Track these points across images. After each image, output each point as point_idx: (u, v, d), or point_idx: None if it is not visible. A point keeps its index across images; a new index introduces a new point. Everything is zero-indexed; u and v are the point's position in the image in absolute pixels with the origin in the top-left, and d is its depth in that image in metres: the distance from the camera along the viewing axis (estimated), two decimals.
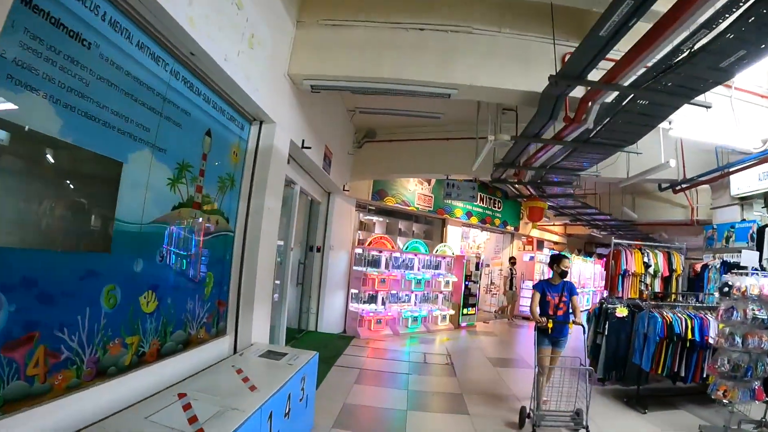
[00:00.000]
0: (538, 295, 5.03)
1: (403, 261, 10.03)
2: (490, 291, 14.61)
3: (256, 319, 4.33)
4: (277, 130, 4.62)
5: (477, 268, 11.51)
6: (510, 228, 14.27)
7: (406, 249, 10.01)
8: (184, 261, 3.61)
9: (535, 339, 4.87)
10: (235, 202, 4.37)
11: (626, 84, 4.24)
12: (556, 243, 18.66)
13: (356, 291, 9.32)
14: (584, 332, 4.93)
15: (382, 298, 9.67)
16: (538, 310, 4.97)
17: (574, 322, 4.86)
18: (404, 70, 4.63)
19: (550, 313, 4.91)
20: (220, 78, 3.74)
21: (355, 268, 9.39)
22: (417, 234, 11.78)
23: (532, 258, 14.38)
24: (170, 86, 3.38)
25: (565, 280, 5.04)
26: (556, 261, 5.10)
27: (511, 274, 12.95)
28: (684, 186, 8.61)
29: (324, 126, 6.76)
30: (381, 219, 11.02)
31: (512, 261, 13.33)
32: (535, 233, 16.29)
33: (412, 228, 11.53)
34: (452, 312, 10.79)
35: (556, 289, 4.98)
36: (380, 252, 9.59)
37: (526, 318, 13.48)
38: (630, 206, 12.06)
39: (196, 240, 3.76)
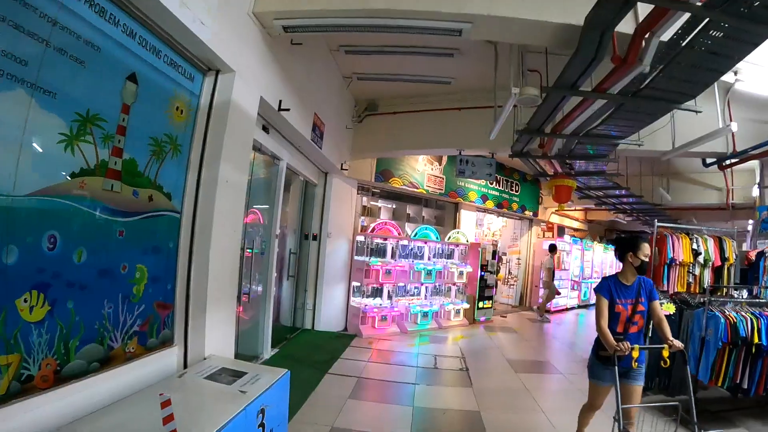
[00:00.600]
0: (605, 303, 3.18)
1: (412, 250, 8.98)
2: (508, 282, 13.47)
3: (210, 326, 3.34)
4: (237, 82, 3.59)
5: (494, 256, 10.40)
6: (528, 213, 13.08)
7: (415, 236, 8.96)
8: (97, 250, 2.62)
9: (590, 369, 3.36)
10: (181, 173, 3.35)
11: (699, 3, 3.10)
12: (576, 230, 17.38)
13: (358, 284, 8.30)
14: (686, 360, 3.14)
15: (388, 292, 8.65)
16: (607, 328, 3.13)
17: (670, 347, 2.96)
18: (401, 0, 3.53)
19: (619, 330, 3.16)
20: (148, 4, 2.72)
21: (356, 258, 8.38)
22: (428, 220, 10.70)
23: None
24: (64, 6, 2.36)
25: (641, 276, 3.27)
26: (629, 246, 3.24)
27: (551, 264, 11.50)
28: (732, 161, 7.34)
29: (312, 90, 5.71)
30: (387, 204, 9.96)
31: (552, 249, 11.79)
32: (555, 219, 15.05)
33: (422, 213, 10.45)
34: (467, 306, 9.72)
35: (629, 293, 3.21)
36: (385, 240, 8.55)
37: (546, 310, 12.38)
38: (665, 188, 10.80)
39: (116, 221, 2.77)
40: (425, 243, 9.24)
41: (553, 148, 6.71)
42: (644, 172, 11.12)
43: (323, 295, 8.02)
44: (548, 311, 11.72)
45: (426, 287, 9.38)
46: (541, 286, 11.92)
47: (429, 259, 9.38)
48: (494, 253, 10.46)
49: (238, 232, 3.91)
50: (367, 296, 8.58)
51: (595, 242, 16.46)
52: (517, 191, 12.51)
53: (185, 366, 3.30)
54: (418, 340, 7.99)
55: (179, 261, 3.33)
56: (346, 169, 7.86)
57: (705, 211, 12.11)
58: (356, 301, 8.35)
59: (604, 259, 16.12)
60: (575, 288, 14.07)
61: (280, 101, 4.52)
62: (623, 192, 10.52)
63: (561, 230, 15.76)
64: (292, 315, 8.06)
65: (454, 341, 8.10)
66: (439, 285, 9.54)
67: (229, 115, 3.50)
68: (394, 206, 10.13)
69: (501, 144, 6.83)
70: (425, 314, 8.80)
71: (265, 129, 5.25)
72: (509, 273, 13.47)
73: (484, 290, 10.14)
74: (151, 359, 3.07)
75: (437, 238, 9.36)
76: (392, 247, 8.67)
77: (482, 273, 10.07)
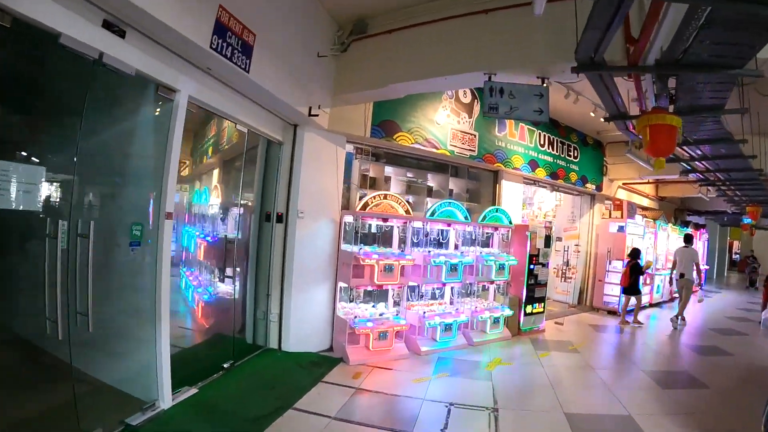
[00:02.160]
0: None
1: (428, 235, 6.17)
2: (564, 275, 10.27)
3: None
4: None
5: (547, 243, 7.36)
6: (590, 187, 9.77)
7: (433, 215, 6.12)
8: None
9: None
10: None
11: None
12: (645, 209, 13.64)
13: (345, 285, 5.66)
14: None
15: (394, 296, 5.95)
16: None
17: None
18: None
19: None
20: None
21: (344, 247, 5.72)
22: (457, 195, 7.79)
23: (621, 229, 9.83)
24: None
25: None
26: None
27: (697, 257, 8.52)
28: None
29: None
30: (399, 172, 7.13)
31: (689, 240, 8.91)
32: (622, 195, 11.52)
33: (449, 185, 7.55)
34: (509, 312, 6.80)
35: None
36: (385, 221, 5.81)
37: (612, 312, 9.36)
38: None
39: None
40: (448, 225, 6.39)
41: (649, 52, 3.67)
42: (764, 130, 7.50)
43: (293, 300, 5.49)
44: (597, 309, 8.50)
45: (451, 288, 6.57)
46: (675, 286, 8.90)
47: (456, 248, 6.55)
48: (548, 239, 7.40)
49: None
50: (360, 302, 5.93)
51: (670, 224, 12.84)
52: (576, 157, 9.25)
53: None
54: (434, 368, 5.27)
55: None
56: (316, 115, 5.17)
57: None
58: (344, 308, 5.72)
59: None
60: (646, 282, 10.65)
61: None
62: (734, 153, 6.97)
63: (631, 209, 12.14)
64: (253, 329, 5.60)
65: (486, 371, 5.29)
66: (470, 284, 6.68)
67: None
68: (409, 175, 7.30)
69: (556, 55, 3.88)
70: (448, 327, 6.01)
71: (113, 28, 2.76)
72: (566, 264, 10.25)
73: (533, 290, 7.16)
74: None
75: (466, 218, 6.47)
76: (399, 232, 5.92)
77: (531, 266, 7.09)
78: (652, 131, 4.50)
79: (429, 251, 6.03)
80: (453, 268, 6.03)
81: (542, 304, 7.37)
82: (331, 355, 5.54)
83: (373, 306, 5.87)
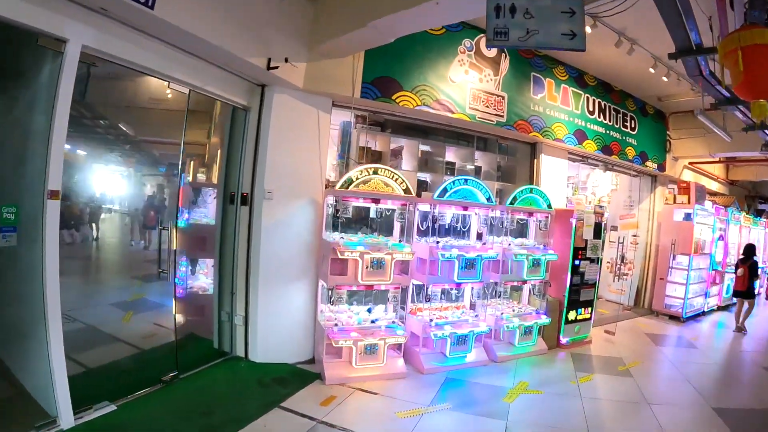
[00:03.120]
0: None
1: (437, 221, 4.74)
2: (618, 271, 8.43)
3: None
4: None
5: (598, 234, 5.72)
6: (650, 165, 7.86)
7: (443, 196, 4.69)
8: None
9: None
10: None
11: None
12: (713, 194, 11.26)
13: (324, 283, 4.38)
14: None
15: (392, 299, 4.64)
16: None
17: None
18: None
19: None
20: None
21: (325, 236, 4.45)
22: (487, 173, 6.26)
23: (689, 216, 7.86)
24: None
25: None
26: None
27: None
28: None
29: None
30: (411, 146, 5.71)
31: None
32: (687, 176, 9.36)
33: (473, 160, 6.01)
34: (545, 320, 5.27)
35: None
36: (376, 203, 4.47)
37: (674, 317, 7.66)
38: None
39: None
40: (465, 209, 4.93)
41: None
42: None
43: (259, 300, 4.39)
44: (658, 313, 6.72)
45: (472, 288, 5.15)
46: None
47: (480, 237, 5.09)
48: (599, 228, 5.75)
49: None
50: (352, 303, 4.67)
51: (743, 213, 10.56)
52: (633, 129, 7.37)
53: None
54: (435, 395, 3.95)
55: None
56: (275, 67, 3.91)
57: None
58: (326, 312, 4.49)
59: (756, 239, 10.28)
60: (716, 281, 8.68)
61: None
62: None
63: (700, 193, 9.90)
64: (218, 332, 4.52)
65: (504, 402, 3.88)
66: (494, 284, 5.19)
67: None
68: (426, 148, 5.85)
69: None
70: (462, 339, 4.62)
71: None
72: (621, 258, 8.39)
73: (578, 291, 5.59)
74: None
75: (490, 199, 4.96)
76: (399, 217, 4.57)
77: (576, 262, 5.50)
78: (748, 57, 2.85)
79: (437, 242, 4.63)
80: (469, 264, 4.61)
81: (589, 309, 5.77)
82: (310, 369, 4.36)
83: (368, 310, 4.59)
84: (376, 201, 4.39)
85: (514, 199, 5.13)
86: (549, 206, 5.40)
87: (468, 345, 4.69)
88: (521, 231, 5.73)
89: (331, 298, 4.31)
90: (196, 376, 4.01)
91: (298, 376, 4.17)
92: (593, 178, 9.21)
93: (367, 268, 4.18)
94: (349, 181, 4.26)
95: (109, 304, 3.71)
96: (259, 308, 4.35)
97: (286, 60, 4.05)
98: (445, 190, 4.62)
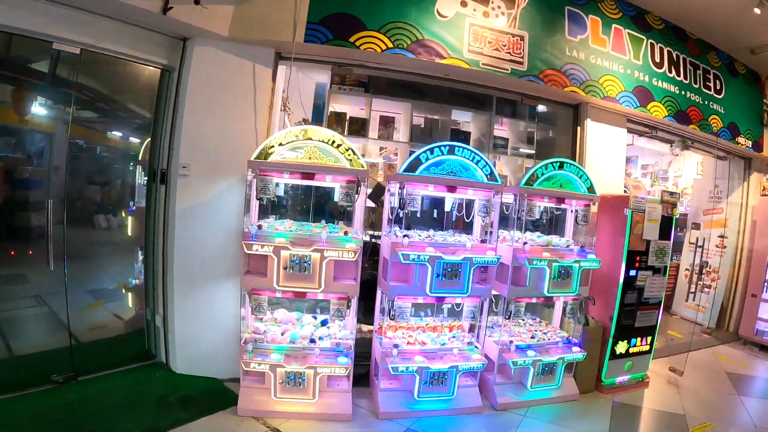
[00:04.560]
0: None
1: (409, 205, 2.81)
2: (699, 282, 5.54)
3: None
4: None
5: (666, 233, 3.30)
6: (743, 142, 4.91)
7: (413, 170, 2.74)
8: None
9: None
10: None
11: None
12: None
13: (249, 290, 2.75)
14: None
15: (334, 313, 2.83)
16: None
17: None
18: None
19: None
20: None
21: (246, 225, 2.79)
22: (515, 147, 4.09)
23: None
24: None
25: None
26: None
27: None
28: None
29: None
30: (407, 111, 3.79)
31: None
32: None
33: (491, 129, 3.86)
34: (577, 355, 3.06)
35: None
36: (310, 178, 2.69)
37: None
38: None
39: None
40: (452, 190, 2.89)
41: None
42: None
43: (176, 301, 2.93)
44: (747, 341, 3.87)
45: (455, 306, 3.12)
46: None
47: (489, 234, 3.05)
48: (668, 223, 3.32)
49: None
50: (272, 312, 2.99)
51: None
52: (718, 93, 4.55)
53: None
54: None
55: None
56: (170, 8, 2.35)
57: None
58: (249, 321, 2.87)
59: None
60: None
61: None
62: None
63: None
64: (146, 332, 3.16)
65: None
66: (502, 301, 3.11)
67: None
68: (435, 116, 3.88)
69: None
70: (439, 377, 2.69)
71: None
72: (703, 266, 5.49)
73: (633, 314, 3.27)
74: None
75: (493, 176, 2.89)
76: (344, 199, 2.74)
77: (632, 273, 3.19)
78: None
79: (405, 235, 2.72)
80: (451, 270, 2.64)
81: (649, 338, 3.41)
82: (237, 391, 2.79)
83: (323, 323, 2.89)
84: (309, 176, 2.63)
85: (534, 177, 2.98)
86: (589, 189, 3.14)
87: (449, 385, 2.74)
88: (554, 225, 3.55)
89: (251, 305, 2.67)
90: (97, 380, 2.82)
91: (214, 398, 2.71)
92: (677, 162, 6.37)
93: (285, 268, 2.48)
94: (269, 150, 2.57)
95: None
96: (176, 311, 2.92)
97: (197, 1, 2.49)
98: (418, 162, 2.69)
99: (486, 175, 2.82)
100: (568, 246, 3.16)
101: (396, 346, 2.76)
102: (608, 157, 3.82)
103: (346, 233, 2.67)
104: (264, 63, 2.99)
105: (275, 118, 3.16)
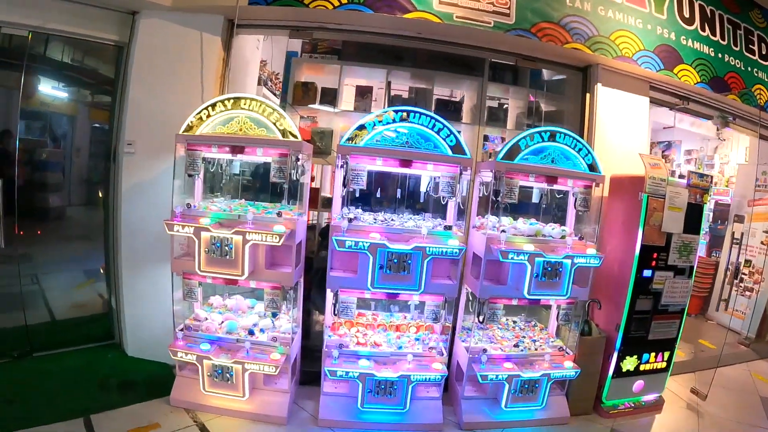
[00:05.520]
0: None
1: (354, 180, 2.12)
2: (740, 284, 4.28)
3: None
4: None
5: (695, 224, 2.31)
6: None
7: (350, 141, 2.03)
8: None
9: None
10: None
11: None
12: None
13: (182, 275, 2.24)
14: None
15: (268, 303, 2.22)
16: None
17: None
18: None
19: None
20: None
21: (177, 205, 2.26)
22: (519, 120, 3.16)
23: None
24: None
25: None
26: None
27: None
28: None
29: None
30: (392, 80, 3.03)
31: None
32: None
33: (483, 98, 2.94)
34: (569, 372, 2.23)
35: None
36: (239, 152, 2.06)
37: None
38: None
39: None
40: (405, 165, 2.11)
41: None
42: None
43: (124, 281, 2.50)
44: None
45: (413, 309, 2.40)
46: None
47: (461, 214, 2.31)
48: (696, 213, 2.33)
49: None
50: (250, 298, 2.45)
51: None
52: (765, 58, 3.28)
53: None
54: None
55: None
56: None
57: None
58: (197, 310, 2.36)
59: None
60: None
61: None
62: None
63: None
64: (108, 316, 2.79)
65: None
66: (475, 301, 2.35)
67: None
68: (420, 84, 3.08)
69: None
70: (387, 387, 2.02)
71: None
72: (742, 265, 4.22)
73: (647, 324, 2.35)
74: None
75: (459, 148, 2.12)
76: (276, 175, 2.11)
77: (647, 273, 2.27)
78: None
79: (353, 217, 2.05)
80: (399, 261, 1.94)
81: (667, 354, 2.46)
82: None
83: (273, 315, 2.33)
84: (239, 150, 2.04)
85: (515, 149, 2.16)
86: (590, 167, 2.24)
87: (400, 397, 2.06)
88: (554, 212, 2.69)
89: (183, 289, 2.16)
90: (51, 357, 2.51)
91: (156, 384, 2.29)
92: (723, 151, 5.09)
93: (207, 252, 1.92)
94: (197, 123, 2.01)
95: None
96: (125, 293, 2.52)
97: None
98: (362, 130, 1.99)
99: (450, 147, 2.06)
100: (563, 237, 2.31)
101: (340, 346, 2.12)
102: (625, 131, 2.85)
103: (279, 214, 2.06)
104: (212, 31, 2.44)
105: (233, 89, 2.60)
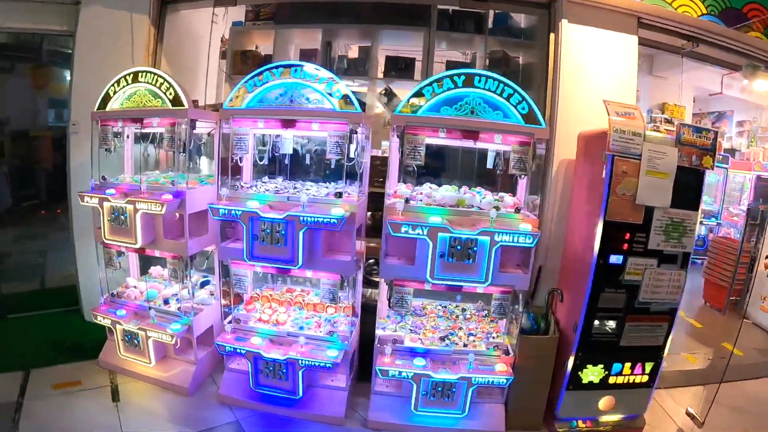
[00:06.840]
0: None
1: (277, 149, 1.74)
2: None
3: None
4: None
5: (693, 199, 1.44)
6: None
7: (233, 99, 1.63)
8: None
9: None
10: None
11: None
12: None
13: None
14: None
15: (171, 274, 1.94)
16: None
17: None
18: None
19: None
20: None
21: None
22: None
23: None
24: None
25: None
26: None
27: None
28: None
29: None
30: (312, 38, 2.33)
31: None
32: None
33: (433, 49, 2.08)
34: (497, 377, 1.62)
35: None
36: (140, 124, 1.81)
37: None
38: None
39: None
40: (286, 126, 1.66)
41: None
42: None
43: (77, 251, 2.46)
44: None
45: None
46: None
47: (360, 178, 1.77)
48: (696, 179, 1.44)
49: None
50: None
51: None
52: None
53: None
54: None
55: None
56: None
57: None
58: (130, 281, 2.19)
59: None
60: None
61: None
62: None
63: None
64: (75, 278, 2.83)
65: None
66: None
67: None
68: (367, 43, 2.38)
69: None
70: (276, 368, 1.60)
71: None
72: None
73: (619, 323, 1.55)
74: None
75: (348, 99, 1.56)
76: (169, 144, 1.78)
77: (615, 258, 1.51)
78: None
79: (240, 186, 1.65)
80: (270, 232, 1.47)
81: (650, 365, 1.61)
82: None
83: (203, 284, 2.08)
84: (137, 121, 1.75)
85: (418, 95, 1.52)
86: (529, 119, 1.49)
87: (291, 378, 1.63)
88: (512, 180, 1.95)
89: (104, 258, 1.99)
90: (19, 319, 2.51)
91: (97, 349, 2.13)
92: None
93: (109, 220, 1.68)
94: (106, 98, 1.78)
95: None
96: (78, 263, 2.52)
97: None
98: (251, 87, 1.56)
99: (341, 100, 1.51)
100: (497, 208, 1.60)
101: (233, 320, 1.75)
102: (604, 82, 1.96)
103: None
104: (140, 11, 2.29)
105: (178, 65, 2.37)
